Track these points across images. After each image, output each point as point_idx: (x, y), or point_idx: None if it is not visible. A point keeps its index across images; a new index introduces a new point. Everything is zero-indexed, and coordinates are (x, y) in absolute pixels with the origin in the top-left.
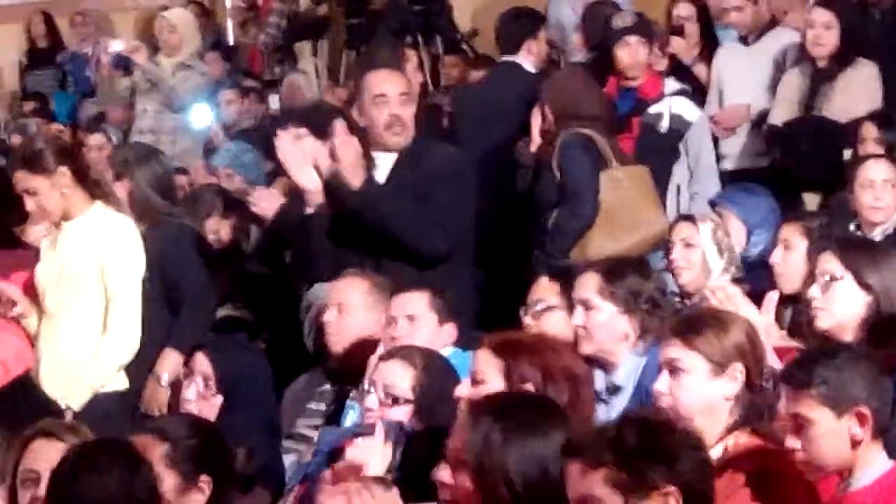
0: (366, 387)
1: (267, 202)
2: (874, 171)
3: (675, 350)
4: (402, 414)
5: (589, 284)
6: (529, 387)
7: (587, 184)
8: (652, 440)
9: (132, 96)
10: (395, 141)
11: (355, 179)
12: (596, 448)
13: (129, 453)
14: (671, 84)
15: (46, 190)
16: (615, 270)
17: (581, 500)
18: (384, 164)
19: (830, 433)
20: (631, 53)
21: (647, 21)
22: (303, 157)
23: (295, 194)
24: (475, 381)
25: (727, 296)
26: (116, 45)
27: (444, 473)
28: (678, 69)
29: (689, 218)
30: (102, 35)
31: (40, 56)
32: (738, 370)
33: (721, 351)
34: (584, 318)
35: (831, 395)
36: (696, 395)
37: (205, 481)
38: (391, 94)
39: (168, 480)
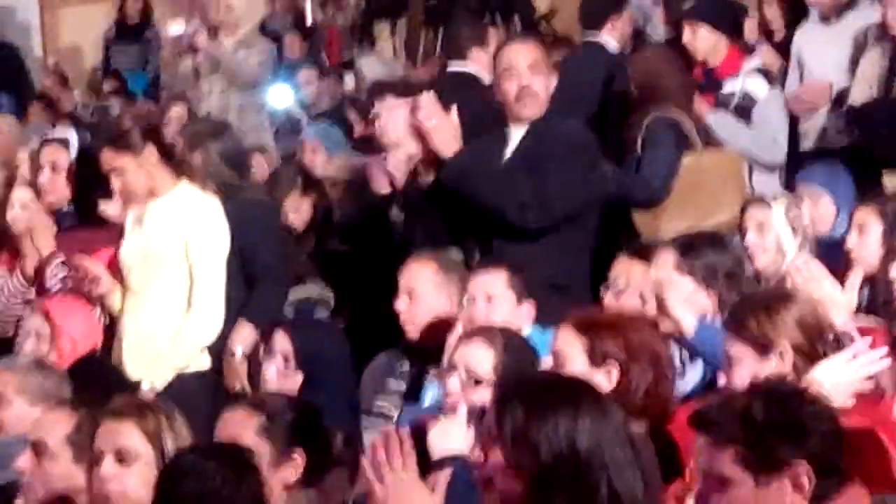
0: (445, 367)
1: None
2: None
3: (727, 343)
4: (485, 395)
5: (666, 261)
6: (613, 365)
7: (666, 163)
8: (781, 414)
9: (196, 78)
10: (526, 112)
11: (446, 147)
12: (725, 424)
13: (238, 458)
14: (752, 62)
15: (133, 169)
16: (692, 246)
17: (710, 475)
18: (515, 138)
19: None
20: (695, 37)
21: (713, 1)
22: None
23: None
24: (556, 359)
25: (811, 274)
26: (177, 28)
27: (477, 453)
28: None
29: (760, 200)
30: (194, 15)
31: (127, 32)
32: (783, 348)
33: (764, 334)
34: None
35: None
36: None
37: (299, 455)
38: (520, 65)
39: (262, 452)
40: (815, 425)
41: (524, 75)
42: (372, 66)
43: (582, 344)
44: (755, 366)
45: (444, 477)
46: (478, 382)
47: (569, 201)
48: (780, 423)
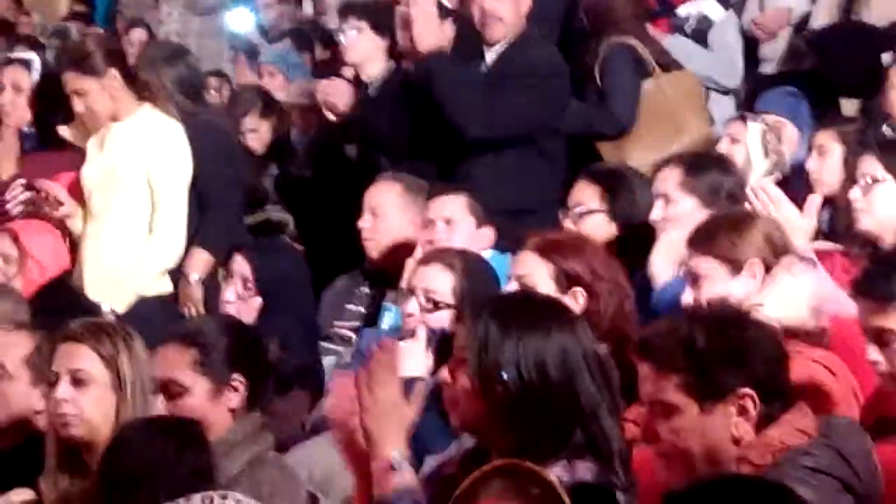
0: (404, 289)
1: (337, 93)
2: None
3: (693, 260)
4: (443, 318)
5: (670, 178)
6: (579, 290)
7: (628, 91)
8: (723, 340)
9: (156, 1)
10: (487, 34)
11: (425, 41)
12: (667, 351)
13: (183, 431)
14: None
15: (96, 92)
16: (697, 164)
17: (654, 403)
18: (488, 59)
19: None
20: None
21: None
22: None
23: None
24: (521, 285)
25: (770, 197)
26: None
27: (444, 374)
28: None
29: (742, 117)
30: None
31: None
32: (755, 265)
33: (735, 251)
34: (663, 212)
35: None
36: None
37: (238, 380)
38: None
39: (200, 386)
40: (757, 351)
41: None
42: None
43: (547, 268)
44: (724, 283)
45: (419, 390)
46: (436, 306)
47: (514, 121)
48: (722, 350)
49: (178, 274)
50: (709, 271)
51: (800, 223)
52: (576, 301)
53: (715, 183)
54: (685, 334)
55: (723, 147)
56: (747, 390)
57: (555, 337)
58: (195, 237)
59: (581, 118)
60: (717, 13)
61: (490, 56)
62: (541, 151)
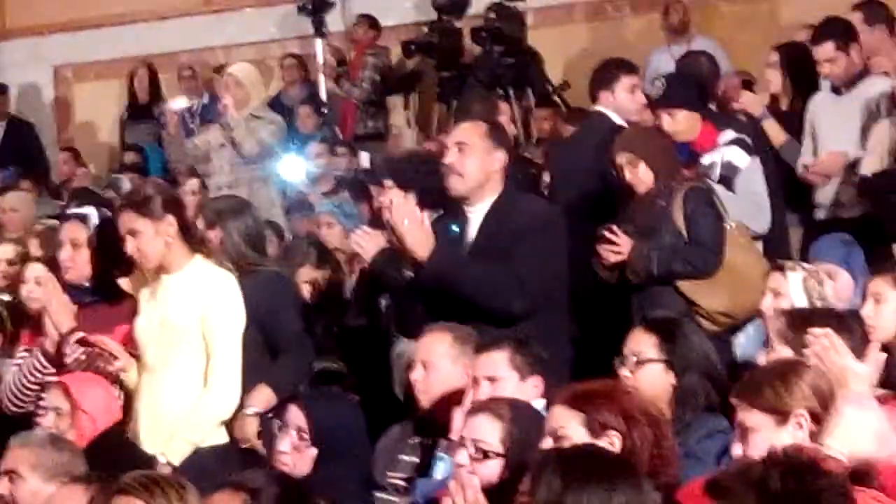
0: (453, 439)
1: (369, 243)
2: None
3: (741, 414)
4: (494, 467)
5: None
6: (614, 434)
7: (717, 238)
8: (798, 485)
9: (206, 152)
10: (450, 188)
11: (420, 248)
12: (740, 493)
13: None
14: (728, 134)
15: (151, 235)
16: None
17: None
18: (475, 219)
19: None
20: (674, 122)
21: (681, 83)
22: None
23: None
24: (556, 438)
25: (831, 343)
26: (179, 102)
27: None
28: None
29: (778, 267)
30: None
31: (141, 110)
32: (802, 417)
33: (781, 402)
34: None
35: None
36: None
37: None
38: (449, 143)
39: None
40: (829, 499)
41: (449, 153)
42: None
43: (578, 418)
44: (772, 434)
45: None
46: (486, 455)
47: (544, 281)
48: (795, 494)
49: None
50: (755, 424)
51: (860, 370)
52: (612, 446)
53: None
54: (759, 476)
55: (766, 302)
56: None
57: (619, 491)
58: (264, 376)
59: (682, 258)
60: (742, 161)
61: (474, 217)
62: (552, 304)
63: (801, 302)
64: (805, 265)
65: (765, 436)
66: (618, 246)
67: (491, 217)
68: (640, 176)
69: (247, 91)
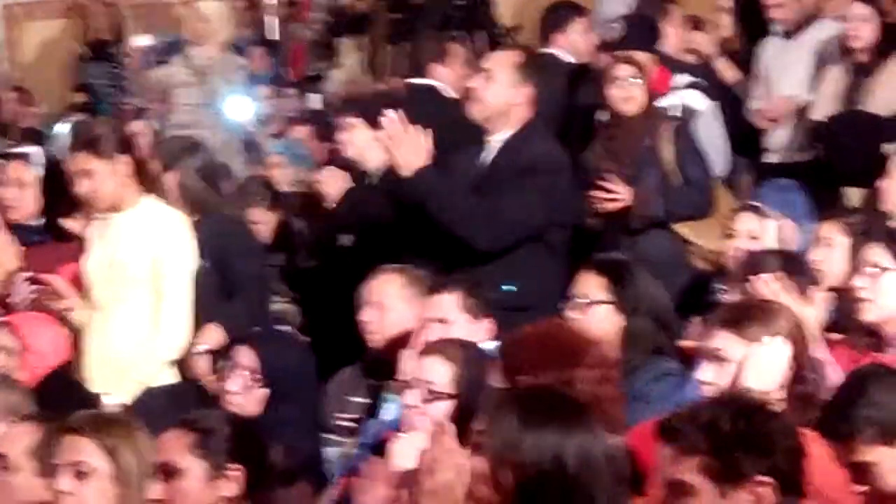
0: (401, 380)
1: (334, 182)
2: None
3: (721, 340)
4: (444, 408)
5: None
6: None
7: (709, 176)
8: (747, 427)
9: (167, 90)
10: (467, 112)
11: (409, 168)
12: (690, 434)
13: None
14: (683, 78)
15: (104, 175)
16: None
17: (672, 485)
18: (492, 148)
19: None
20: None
21: (638, 26)
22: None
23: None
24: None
25: (783, 287)
26: (144, 40)
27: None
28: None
29: (756, 210)
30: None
31: (99, 48)
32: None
33: (761, 335)
34: None
35: (881, 431)
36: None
37: (235, 470)
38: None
39: (195, 469)
40: (780, 441)
41: (475, 77)
42: (338, 82)
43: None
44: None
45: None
46: (437, 397)
47: (520, 227)
48: (746, 436)
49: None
50: (734, 355)
51: (808, 313)
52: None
53: None
54: (709, 417)
55: (742, 243)
56: (767, 478)
57: (575, 434)
58: (216, 316)
59: (685, 202)
60: (701, 104)
61: (491, 147)
62: (547, 246)
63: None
64: (776, 213)
65: (734, 367)
66: (615, 194)
67: (505, 150)
68: (636, 94)
69: (213, 27)
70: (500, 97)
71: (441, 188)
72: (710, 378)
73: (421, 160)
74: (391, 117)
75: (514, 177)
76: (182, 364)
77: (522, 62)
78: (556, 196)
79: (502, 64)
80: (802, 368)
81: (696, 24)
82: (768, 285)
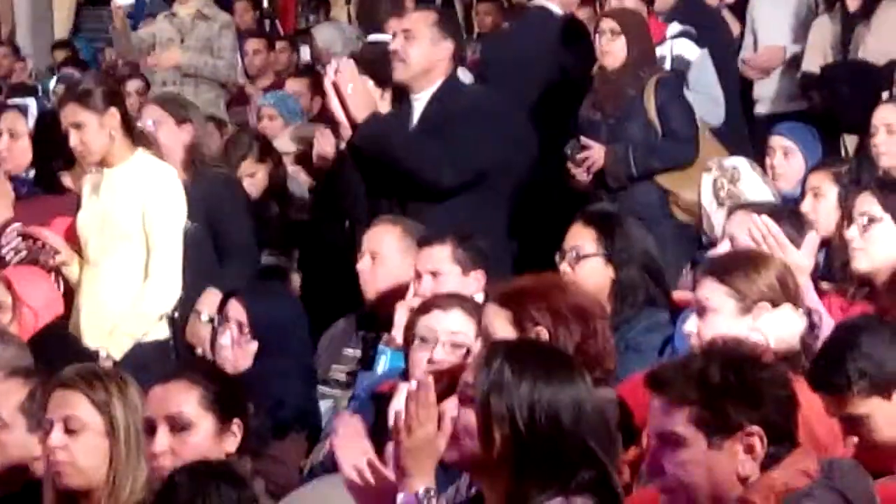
0: (394, 333)
1: (325, 139)
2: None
3: (707, 289)
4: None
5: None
6: (542, 330)
7: (691, 127)
8: (737, 377)
9: (150, 48)
10: (394, 75)
11: (360, 112)
12: (679, 384)
13: (233, 474)
14: (674, 27)
15: (95, 127)
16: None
17: (662, 435)
18: (418, 106)
19: (890, 417)
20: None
21: None
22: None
23: None
24: (486, 337)
25: (770, 232)
26: None
27: (451, 406)
28: None
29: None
30: None
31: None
32: (763, 309)
33: (751, 290)
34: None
35: (874, 383)
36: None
37: (237, 425)
38: (397, 29)
39: (205, 423)
40: (770, 391)
41: (395, 40)
42: (327, 35)
43: (506, 316)
44: (731, 322)
45: (450, 415)
46: (459, 348)
47: (478, 160)
48: (735, 386)
49: (180, 319)
50: (719, 304)
51: (800, 262)
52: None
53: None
54: (699, 368)
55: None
56: (757, 429)
57: (567, 388)
58: (213, 281)
59: (658, 154)
60: (692, 53)
61: (417, 106)
62: (494, 195)
63: (707, 202)
64: (724, 163)
65: (723, 320)
66: (590, 158)
67: (432, 104)
68: (615, 49)
69: None
70: (423, 56)
71: (395, 129)
72: (695, 328)
73: (368, 108)
74: (346, 66)
75: (458, 118)
76: (183, 329)
77: (440, 19)
78: (499, 140)
79: (421, 23)
80: None
81: None
82: (759, 228)
